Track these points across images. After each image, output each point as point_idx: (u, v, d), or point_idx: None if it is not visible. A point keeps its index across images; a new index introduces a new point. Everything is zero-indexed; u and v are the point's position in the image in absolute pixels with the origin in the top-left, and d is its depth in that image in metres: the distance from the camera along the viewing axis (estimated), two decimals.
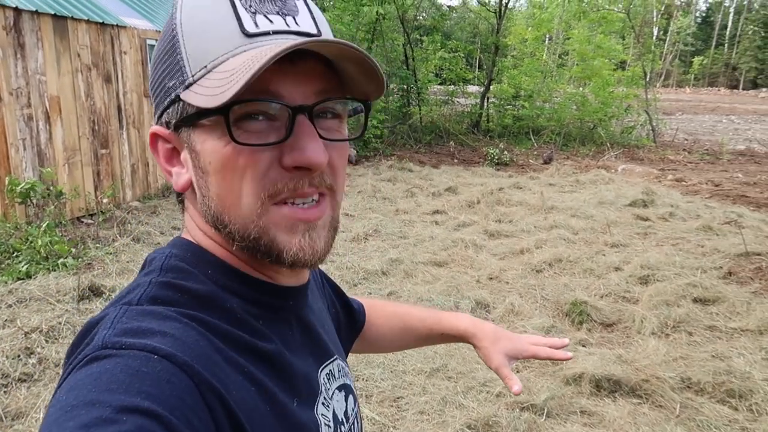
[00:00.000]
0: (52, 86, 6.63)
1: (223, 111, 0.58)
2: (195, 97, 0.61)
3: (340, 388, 0.82)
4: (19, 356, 3.70)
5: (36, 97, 6.42)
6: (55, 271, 5.20)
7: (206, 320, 0.62)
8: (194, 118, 0.62)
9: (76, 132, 7.03)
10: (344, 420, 0.80)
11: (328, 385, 0.78)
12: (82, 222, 6.99)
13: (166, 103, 0.66)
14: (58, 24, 6.65)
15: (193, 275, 0.66)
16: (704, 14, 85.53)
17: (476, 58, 25.00)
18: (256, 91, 0.59)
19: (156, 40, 8.31)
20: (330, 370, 0.80)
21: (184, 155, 0.67)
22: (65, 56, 6.79)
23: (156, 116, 0.69)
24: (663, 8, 28.15)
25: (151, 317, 0.59)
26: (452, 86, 18.42)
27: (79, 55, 7.01)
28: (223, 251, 0.69)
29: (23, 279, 4.96)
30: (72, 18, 6.85)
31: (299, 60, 0.61)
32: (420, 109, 16.48)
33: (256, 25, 0.61)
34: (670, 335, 4.50)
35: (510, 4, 18.80)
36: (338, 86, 0.66)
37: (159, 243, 6.34)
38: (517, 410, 3.45)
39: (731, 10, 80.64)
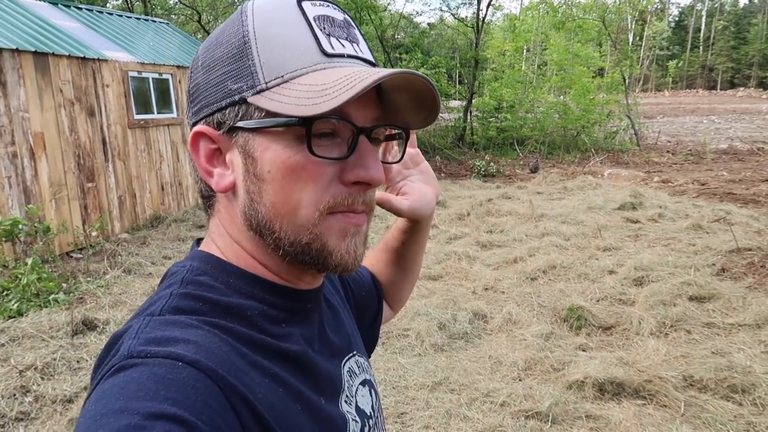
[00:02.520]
0: (36, 123, 6.60)
1: (305, 122, 0.61)
2: (271, 103, 0.62)
3: (363, 383, 0.83)
4: (14, 395, 3.64)
5: (20, 134, 6.39)
6: (46, 307, 5.14)
7: (228, 327, 0.63)
8: (266, 124, 0.63)
9: (62, 167, 7.00)
10: (371, 414, 0.82)
11: (351, 381, 0.80)
12: (72, 257, 6.93)
13: (224, 103, 0.66)
14: (39, 61, 6.65)
15: (214, 286, 0.68)
16: (677, 18, 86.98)
17: (457, 73, 25.23)
18: (334, 110, 0.61)
19: (137, 72, 8.34)
20: (350, 367, 0.82)
21: (231, 157, 0.68)
22: (47, 92, 6.78)
23: (201, 116, 0.69)
24: (637, 15, 28.58)
25: (174, 326, 0.60)
26: None
27: (61, 91, 7.00)
28: (249, 259, 0.71)
29: (15, 317, 4.89)
30: (53, 54, 6.84)
31: None
32: None
33: (332, 47, 0.65)
34: (669, 334, 4.50)
35: (487, 18, 19.02)
36: (384, 114, 0.70)
37: (150, 273, 6.28)
38: (522, 418, 3.43)
39: (703, 13, 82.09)
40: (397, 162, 0.80)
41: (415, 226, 1.10)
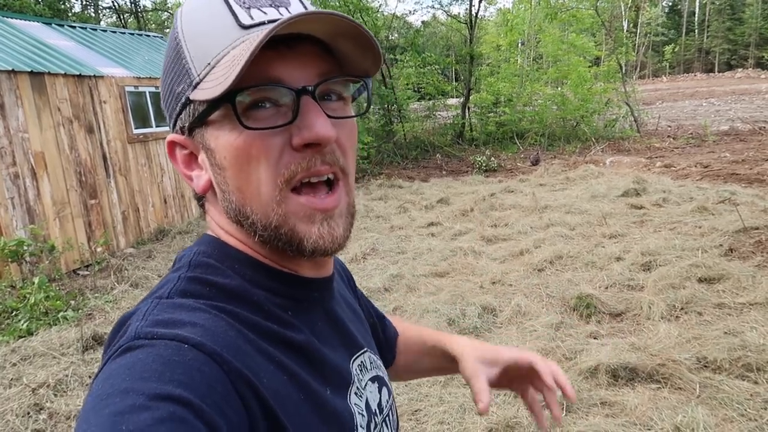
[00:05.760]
0: (36, 142, 6.62)
1: (229, 99, 0.60)
2: (202, 93, 0.62)
3: (373, 379, 0.82)
4: (28, 413, 3.64)
5: (20, 154, 6.41)
6: (56, 325, 5.15)
7: (235, 312, 0.63)
8: (204, 115, 0.64)
9: (64, 185, 7.01)
10: (378, 411, 0.80)
11: (360, 375, 0.79)
12: (78, 274, 6.94)
13: (178, 108, 0.68)
14: (35, 80, 6.67)
15: (221, 270, 0.68)
16: (671, 3, 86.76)
17: (452, 70, 25.24)
18: (259, 78, 0.61)
19: (134, 86, 8.36)
20: (362, 362, 0.81)
21: (201, 157, 0.69)
22: (45, 111, 6.80)
23: (171, 126, 0.71)
24: (630, 1, 28.54)
25: (181, 309, 0.61)
26: (432, 100, 18.57)
27: (59, 109, 7.02)
28: (247, 247, 0.71)
29: (25, 336, 4.89)
30: (49, 73, 6.86)
31: (296, 44, 0.63)
32: (403, 126, 16.58)
33: (251, 18, 0.63)
34: (680, 317, 4.48)
35: (480, 14, 19.02)
36: (337, 67, 0.67)
37: None
38: None
39: None
40: (361, 115, 0.75)
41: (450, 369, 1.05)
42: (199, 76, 0.63)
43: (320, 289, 0.76)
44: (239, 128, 0.62)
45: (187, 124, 0.67)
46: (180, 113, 0.67)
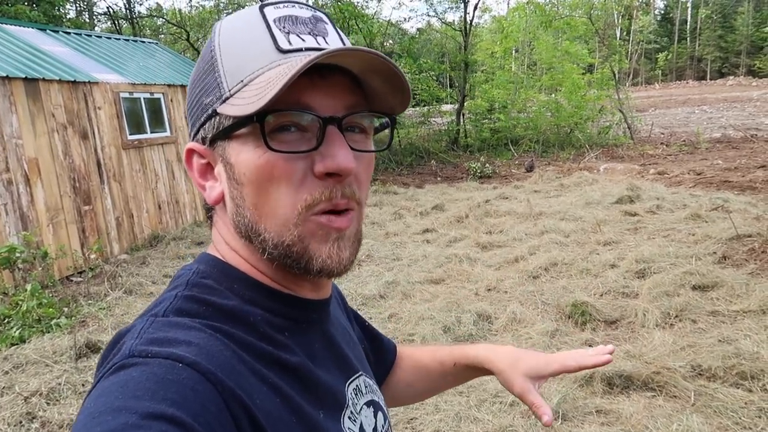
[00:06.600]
0: (29, 148, 6.60)
1: (258, 119, 0.61)
2: (231, 108, 0.63)
3: (368, 403, 0.81)
4: (21, 422, 3.61)
5: (14, 160, 6.39)
6: (49, 332, 5.11)
7: (230, 332, 0.63)
8: (230, 129, 0.65)
9: (58, 191, 6.99)
10: None
11: (355, 399, 0.78)
12: (72, 280, 6.90)
13: (202, 119, 0.68)
14: (29, 87, 6.65)
15: (218, 290, 0.68)
16: (663, 11, 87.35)
17: (447, 77, 25.31)
18: (289, 103, 0.61)
19: (129, 92, 8.35)
20: (357, 386, 0.80)
21: (218, 169, 0.69)
22: (40, 117, 6.78)
23: (192, 134, 0.72)
24: (623, 9, 28.73)
25: (177, 328, 0.61)
26: (426, 107, 18.63)
27: (53, 115, 7.00)
28: (248, 266, 0.71)
29: (17, 344, 4.86)
30: (43, 79, 6.85)
31: (329, 74, 0.64)
32: (398, 133, 16.60)
33: (290, 43, 0.65)
34: (675, 325, 4.49)
35: (474, 21, 19.09)
36: (364, 101, 0.68)
37: (152, 293, 6.26)
38: (533, 418, 3.40)
39: (689, 4, 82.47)
40: (382, 150, 0.76)
41: (475, 375, 1.08)
42: (229, 91, 0.64)
43: (319, 311, 0.76)
44: (263, 148, 0.63)
45: (209, 135, 0.68)
46: (204, 123, 0.68)
